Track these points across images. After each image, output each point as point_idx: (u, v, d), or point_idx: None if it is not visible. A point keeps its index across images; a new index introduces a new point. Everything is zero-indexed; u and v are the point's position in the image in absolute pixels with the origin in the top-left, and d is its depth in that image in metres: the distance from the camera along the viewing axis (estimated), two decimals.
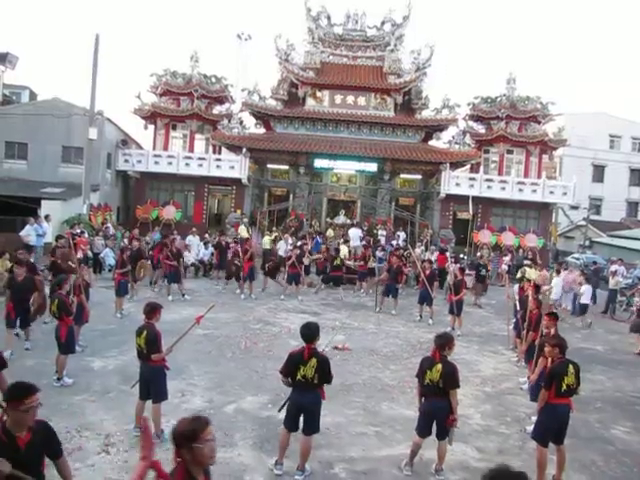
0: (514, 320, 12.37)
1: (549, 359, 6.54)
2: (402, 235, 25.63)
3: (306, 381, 5.85)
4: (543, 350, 7.29)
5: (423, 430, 6.24)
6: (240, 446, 6.69)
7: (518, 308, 11.88)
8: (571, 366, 6.17)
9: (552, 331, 7.99)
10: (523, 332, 10.36)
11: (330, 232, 25.84)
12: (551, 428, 6.18)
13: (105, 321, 12.08)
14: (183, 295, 15.58)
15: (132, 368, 7.39)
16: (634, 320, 14.71)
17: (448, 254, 19.72)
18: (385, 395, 8.92)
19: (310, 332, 5.98)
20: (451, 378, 6.07)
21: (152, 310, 6.84)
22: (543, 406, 6.21)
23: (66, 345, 8.45)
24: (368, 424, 7.66)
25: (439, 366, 6.06)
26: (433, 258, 19.35)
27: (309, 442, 6.05)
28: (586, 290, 16.62)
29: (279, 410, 6.39)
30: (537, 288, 11.62)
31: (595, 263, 24.13)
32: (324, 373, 5.91)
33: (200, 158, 28.73)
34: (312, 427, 6.04)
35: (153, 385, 6.71)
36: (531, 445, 6.50)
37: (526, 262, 20.36)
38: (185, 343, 7.75)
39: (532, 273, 17.36)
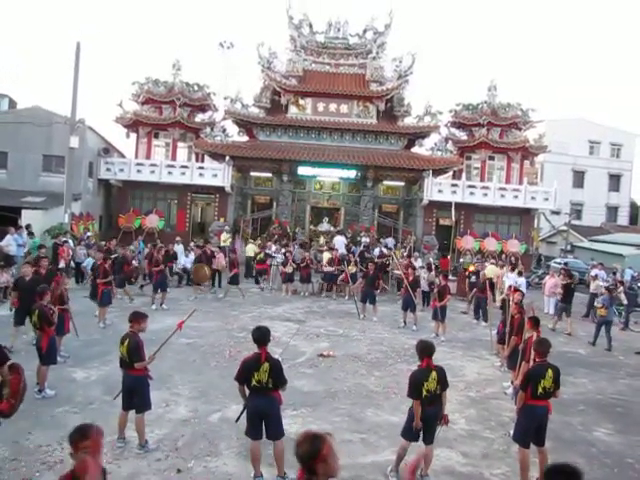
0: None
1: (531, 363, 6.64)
2: (391, 241, 25.96)
3: (261, 386, 5.89)
4: (526, 355, 7.39)
5: (412, 436, 6.26)
6: (225, 455, 6.66)
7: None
8: (550, 370, 6.25)
9: (535, 336, 8.06)
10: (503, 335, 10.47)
11: (322, 239, 26.01)
12: (530, 429, 6.27)
13: (88, 331, 11.94)
14: (161, 304, 15.52)
15: (115, 378, 7.33)
16: (559, 305, 16.72)
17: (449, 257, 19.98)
18: (370, 401, 8.93)
19: (262, 335, 6.04)
20: (445, 381, 6.20)
21: (137, 318, 6.82)
22: (522, 408, 6.29)
23: (47, 356, 8.34)
24: (353, 431, 7.66)
25: (434, 374, 6.11)
26: (418, 264, 19.56)
27: (280, 447, 6.05)
28: (521, 283, 17.31)
29: (236, 420, 6.39)
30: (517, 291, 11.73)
31: (566, 264, 24.71)
32: (277, 376, 5.96)
33: (183, 166, 28.63)
34: (276, 432, 6.05)
35: (137, 395, 6.66)
36: (515, 449, 6.54)
37: (492, 260, 20.76)
38: (169, 352, 7.72)
39: (491, 270, 17.87)
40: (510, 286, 13.19)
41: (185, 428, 7.39)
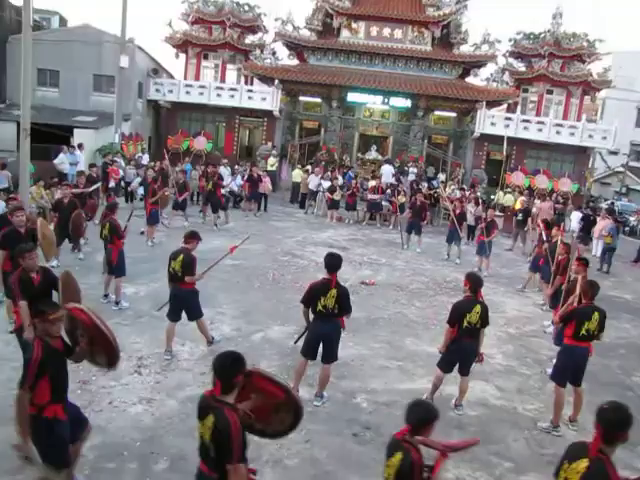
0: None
1: (574, 303, 6.60)
2: (441, 176, 25.58)
3: (327, 311, 6.02)
4: (569, 295, 7.30)
5: (448, 367, 6.38)
6: None
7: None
8: (596, 313, 6.15)
9: (581, 277, 7.91)
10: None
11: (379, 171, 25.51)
12: (568, 369, 6.28)
13: (137, 249, 12.28)
14: (215, 224, 15.90)
15: (163, 295, 7.60)
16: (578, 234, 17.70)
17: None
18: (409, 331, 9.07)
19: (335, 262, 6.19)
20: (487, 317, 6.24)
21: (192, 237, 7.19)
22: (562, 348, 6.29)
23: (118, 268, 8.84)
24: (391, 358, 7.84)
25: (478, 307, 6.15)
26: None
27: (328, 370, 6.30)
28: (573, 216, 19.10)
29: (295, 342, 6.61)
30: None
31: (612, 204, 24.33)
32: (344, 304, 6.09)
33: (231, 89, 28.29)
34: (331, 355, 6.25)
35: (189, 306, 7.09)
36: (550, 387, 6.59)
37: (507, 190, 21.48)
38: (214, 272, 7.93)
39: (508, 199, 18.72)
40: (558, 225, 12.72)
41: (229, 346, 7.68)
